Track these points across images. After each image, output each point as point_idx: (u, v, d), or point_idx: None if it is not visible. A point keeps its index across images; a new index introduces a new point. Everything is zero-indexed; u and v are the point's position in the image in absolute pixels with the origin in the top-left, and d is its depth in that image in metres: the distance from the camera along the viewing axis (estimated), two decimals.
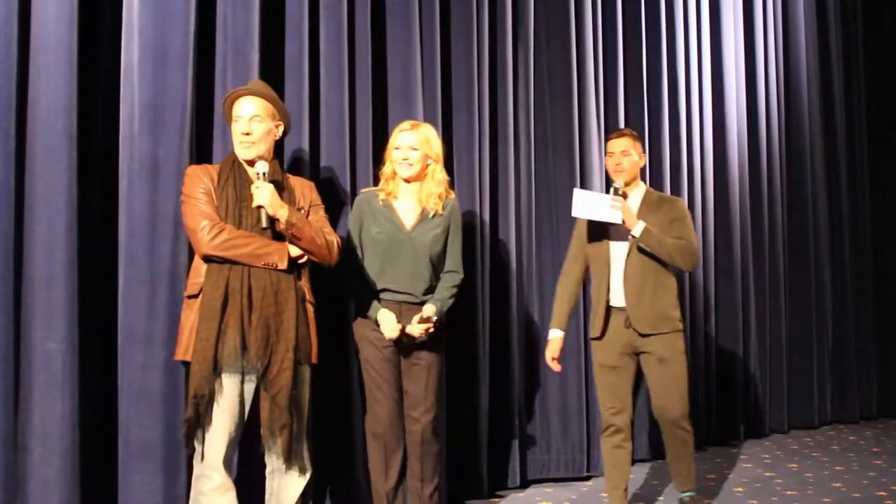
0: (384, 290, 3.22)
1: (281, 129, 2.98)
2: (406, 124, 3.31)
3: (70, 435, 2.78)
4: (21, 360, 2.76)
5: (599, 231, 3.50)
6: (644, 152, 3.59)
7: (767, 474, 4.73)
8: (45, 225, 2.79)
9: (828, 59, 6.98)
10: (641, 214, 3.42)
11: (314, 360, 2.89)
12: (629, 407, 3.47)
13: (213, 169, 2.87)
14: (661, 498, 4.14)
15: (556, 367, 3.59)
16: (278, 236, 2.82)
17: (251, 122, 2.86)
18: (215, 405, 2.67)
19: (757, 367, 6.02)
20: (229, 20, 3.33)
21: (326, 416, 3.47)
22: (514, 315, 4.38)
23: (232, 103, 2.92)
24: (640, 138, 5.13)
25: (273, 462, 2.84)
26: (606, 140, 3.57)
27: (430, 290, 3.25)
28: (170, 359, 2.98)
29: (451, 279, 3.30)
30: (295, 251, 2.82)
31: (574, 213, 3.36)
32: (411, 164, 3.22)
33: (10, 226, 2.76)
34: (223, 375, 2.68)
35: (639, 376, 3.57)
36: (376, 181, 3.48)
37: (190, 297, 2.78)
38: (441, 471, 3.42)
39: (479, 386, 4.12)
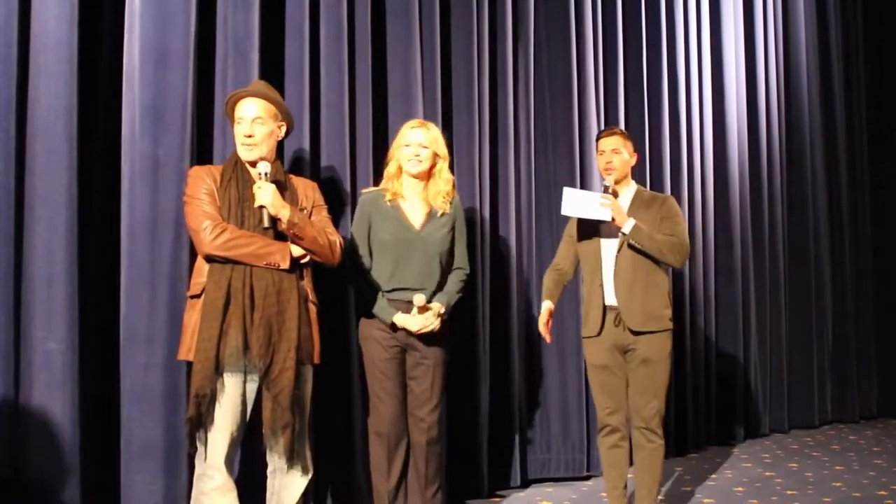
0: (395, 289, 3.22)
1: (284, 129, 2.98)
2: (415, 122, 3.33)
3: (70, 435, 2.78)
4: (21, 360, 2.76)
5: (590, 229, 3.50)
6: (636, 151, 3.58)
7: (767, 474, 4.73)
8: (45, 225, 2.79)
9: (828, 57, 6.99)
10: (632, 212, 3.41)
11: (316, 360, 2.89)
12: (624, 406, 3.45)
13: (215, 170, 2.87)
14: (661, 497, 4.14)
15: (547, 335, 3.53)
16: (280, 236, 2.82)
17: (253, 125, 2.86)
18: (217, 405, 2.67)
19: (757, 367, 6.03)
20: (229, 20, 3.33)
21: (327, 416, 3.47)
22: (514, 315, 4.38)
23: (234, 104, 2.91)
24: (641, 137, 5.19)
25: (275, 462, 2.84)
26: (597, 139, 3.56)
27: (440, 288, 3.27)
28: (171, 359, 2.98)
29: (459, 275, 3.35)
30: (297, 251, 2.82)
31: (564, 212, 3.36)
32: (421, 161, 3.24)
33: (10, 226, 2.76)
34: (225, 375, 2.68)
35: None
36: (377, 181, 3.48)
37: (192, 297, 2.78)
38: (442, 470, 3.43)
39: (479, 386, 4.13)
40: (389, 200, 3.27)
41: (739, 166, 6.03)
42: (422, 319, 3.16)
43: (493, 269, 4.30)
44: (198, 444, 2.70)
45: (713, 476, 4.67)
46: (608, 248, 3.46)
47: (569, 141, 4.74)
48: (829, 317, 6.76)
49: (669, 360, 3.43)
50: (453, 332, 3.39)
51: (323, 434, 3.44)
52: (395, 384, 3.22)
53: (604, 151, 3.50)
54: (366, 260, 3.27)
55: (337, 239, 2.95)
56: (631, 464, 3.49)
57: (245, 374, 2.72)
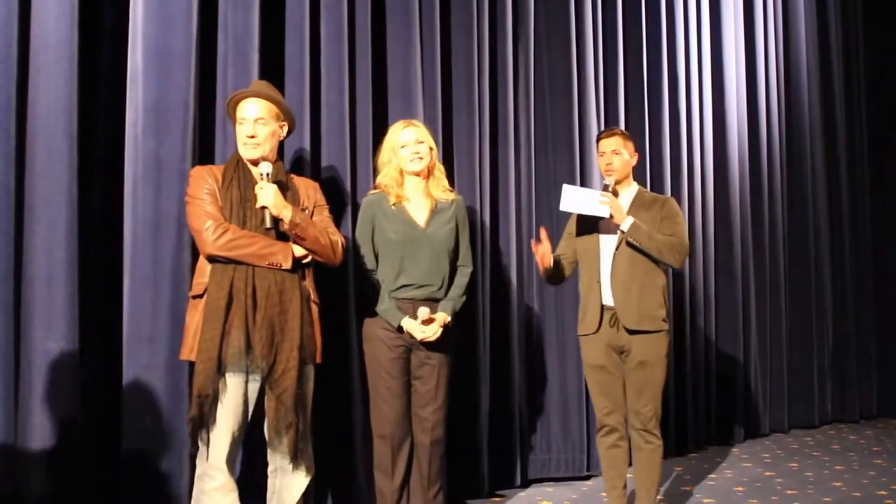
0: (402, 286, 3.22)
1: (285, 129, 2.98)
2: (401, 123, 3.33)
3: (71, 434, 2.78)
4: (21, 360, 2.76)
5: (589, 226, 3.50)
6: (636, 151, 3.58)
7: (768, 474, 4.73)
8: (45, 225, 2.79)
9: (828, 56, 6.99)
10: (633, 213, 3.41)
11: (318, 359, 2.89)
12: (622, 406, 3.45)
13: (217, 170, 2.87)
14: (660, 497, 4.14)
15: (534, 247, 3.45)
16: (282, 236, 2.82)
17: (255, 125, 2.85)
18: (219, 405, 2.67)
19: (757, 367, 6.02)
20: (230, 20, 3.33)
21: (327, 416, 3.47)
22: (514, 315, 4.38)
23: (236, 105, 2.91)
24: (641, 137, 5.19)
25: (276, 461, 2.85)
26: (597, 140, 3.56)
27: (448, 283, 3.29)
28: (172, 358, 2.98)
29: (464, 274, 3.36)
30: (299, 251, 2.82)
31: (562, 208, 3.36)
32: (422, 157, 3.26)
33: (10, 226, 2.76)
34: (227, 375, 2.68)
35: None
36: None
37: (195, 297, 2.78)
38: (444, 471, 3.42)
39: (480, 386, 4.12)
40: (394, 204, 3.27)
41: (739, 166, 6.03)
42: (428, 330, 3.17)
43: (493, 269, 4.30)
44: (199, 444, 2.70)
45: (713, 476, 4.67)
46: (606, 245, 3.45)
47: (569, 141, 4.74)
48: (829, 316, 6.75)
49: (666, 362, 3.43)
50: (456, 333, 3.39)
51: (323, 434, 3.43)
52: (399, 384, 3.22)
53: (604, 152, 3.50)
54: (370, 261, 3.28)
55: (339, 239, 2.95)
56: (630, 464, 3.50)
57: (247, 374, 2.72)
